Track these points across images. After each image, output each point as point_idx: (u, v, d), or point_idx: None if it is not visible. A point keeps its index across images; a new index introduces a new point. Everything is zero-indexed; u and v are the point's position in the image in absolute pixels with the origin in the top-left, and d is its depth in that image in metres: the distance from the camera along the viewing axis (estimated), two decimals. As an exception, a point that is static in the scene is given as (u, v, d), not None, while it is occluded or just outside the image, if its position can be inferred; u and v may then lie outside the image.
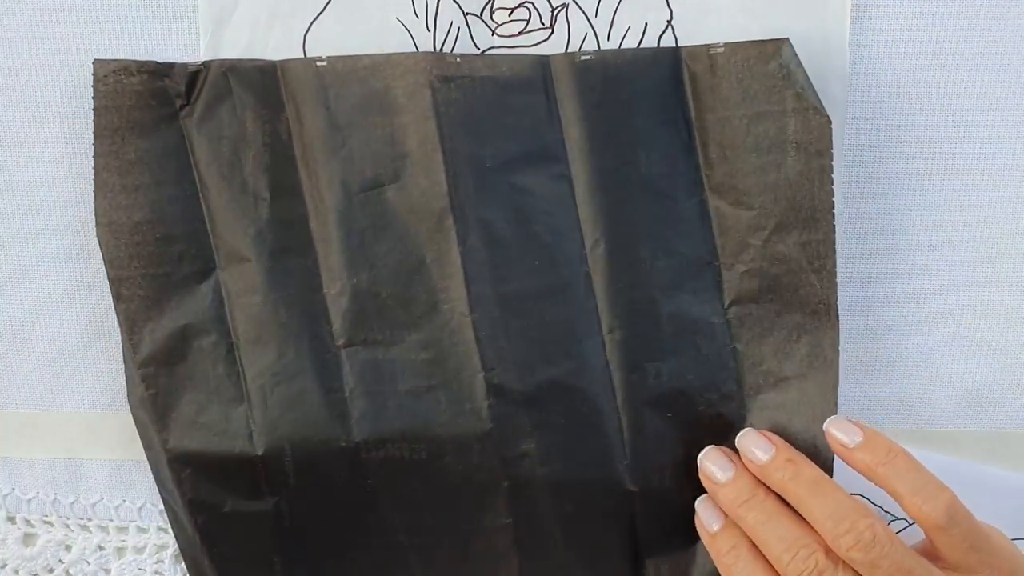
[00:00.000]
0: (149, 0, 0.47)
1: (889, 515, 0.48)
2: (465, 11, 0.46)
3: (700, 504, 0.46)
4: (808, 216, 0.44)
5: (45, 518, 0.52)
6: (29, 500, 0.52)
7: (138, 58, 0.46)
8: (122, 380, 0.48)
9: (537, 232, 0.46)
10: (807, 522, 0.42)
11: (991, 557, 0.41)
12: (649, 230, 0.45)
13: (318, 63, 0.45)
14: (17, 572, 0.53)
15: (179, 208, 0.46)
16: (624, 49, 0.45)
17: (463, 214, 0.45)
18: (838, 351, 0.45)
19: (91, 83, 0.45)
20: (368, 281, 0.46)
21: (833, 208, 0.44)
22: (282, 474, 0.47)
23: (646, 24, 0.45)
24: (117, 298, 0.46)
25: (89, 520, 0.52)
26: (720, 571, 0.44)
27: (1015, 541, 0.43)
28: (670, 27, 0.45)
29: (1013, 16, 0.45)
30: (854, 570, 0.40)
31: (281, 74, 0.45)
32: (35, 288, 0.49)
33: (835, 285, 0.44)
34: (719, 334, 0.46)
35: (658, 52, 0.44)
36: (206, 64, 0.46)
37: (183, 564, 0.50)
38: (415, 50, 0.46)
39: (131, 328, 0.46)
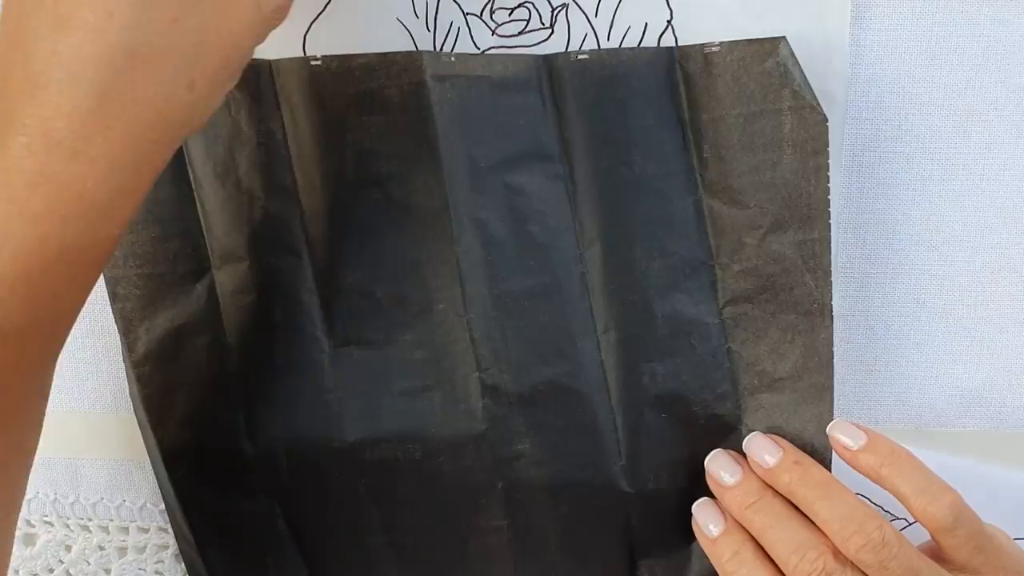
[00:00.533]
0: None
1: (889, 514, 0.48)
2: (465, 11, 0.46)
3: (698, 508, 0.46)
4: (804, 215, 0.44)
5: (45, 518, 0.53)
6: (29, 500, 0.52)
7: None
8: (122, 380, 0.48)
9: (532, 232, 0.45)
10: (815, 524, 0.42)
11: (996, 558, 0.41)
12: (644, 230, 0.45)
13: (313, 62, 0.45)
14: (17, 572, 0.53)
15: (174, 208, 0.46)
16: (619, 49, 0.45)
17: (458, 214, 0.45)
18: (832, 351, 0.45)
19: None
20: (362, 281, 0.46)
21: (829, 207, 0.43)
22: (276, 474, 0.48)
23: (646, 24, 0.45)
24: (113, 297, 0.46)
25: (89, 520, 0.53)
26: (720, 577, 0.44)
27: (1016, 541, 0.43)
28: (670, 27, 0.45)
29: (1014, 16, 0.45)
30: (863, 572, 0.40)
31: (276, 73, 0.45)
32: (35, 288, 0.50)
33: (830, 285, 0.44)
34: (714, 334, 0.46)
35: (653, 52, 0.44)
36: (202, 64, 0.46)
37: (183, 564, 0.50)
38: (415, 50, 0.46)
39: (127, 327, 0.47)
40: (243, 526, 0.48)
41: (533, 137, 0.45)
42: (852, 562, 0.40)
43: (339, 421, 0.47)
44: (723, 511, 0.45)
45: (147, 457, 0.48)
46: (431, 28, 0.46)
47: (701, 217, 0.45)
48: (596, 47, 0.45)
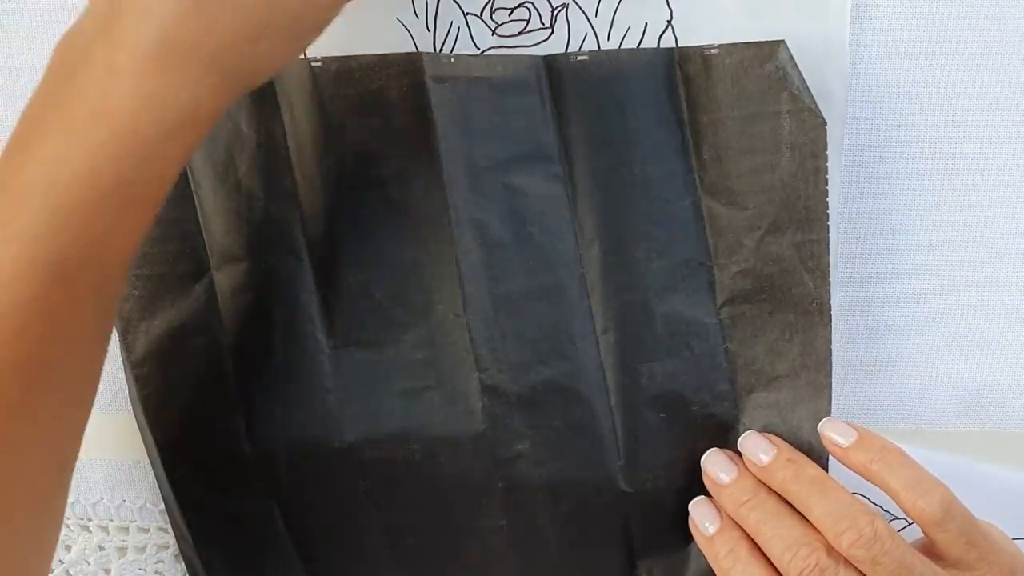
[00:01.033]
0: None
1: (889, 514, 0.48)
2: (465, 11, 0.46)
3: (694, 507, 0.46)
4: (802, 217, 0.44)
5: (45, 518, 0.53)
6: (29, 500, 0.52)
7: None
8: (122, 380, 0.48)
9: (531, 233, 0.46)
10: (809, 522, 0.42)
11: (990, 553, 0.41)
12: (643, 231, 0.45)
13: (313, 63, 0.45)
14: (18, 572, 0.53)
15: (173, 209, 0.46)
16: (619, 50, 0.45)
17: (457, 215, 0.45)
18: (830, 350, 0.45)
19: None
20: (362, 282, 0.46)
21: (827, 209, 0.43)
22: (275, 475, 0.48)
23: (646, 24, 0.45)
24: (112, 298, 0.46)
25: (89, 520, 0.53)
26: (717, 574, 0.44)
27: (1015, 541, 0.43)
28: (670, 27, 0.45)
29: (1013, 16, 0.45)
30: (856, 568, 0.40)
31: (276, 75, 0.45)
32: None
33: (828, 285, 0.44)
34: (712, 334, 0.46)
35: (653, 53, 0.44)
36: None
37: (183, 564, 0.50)
38: (415, 50, 0.46)
39: (125, 328, 0.46)
40: (242, 526, 0.48)
41: (533, 138, 0.45)
42: (845, 558, 0.40)
43: (338, 421, 0.47)
44: (719, 509, 0.45)
45: (147, 457, 0.49)
46: (431, 28, 0.46)
47: (700, 218, 0.45)
48: (596, 47, 0.45)
